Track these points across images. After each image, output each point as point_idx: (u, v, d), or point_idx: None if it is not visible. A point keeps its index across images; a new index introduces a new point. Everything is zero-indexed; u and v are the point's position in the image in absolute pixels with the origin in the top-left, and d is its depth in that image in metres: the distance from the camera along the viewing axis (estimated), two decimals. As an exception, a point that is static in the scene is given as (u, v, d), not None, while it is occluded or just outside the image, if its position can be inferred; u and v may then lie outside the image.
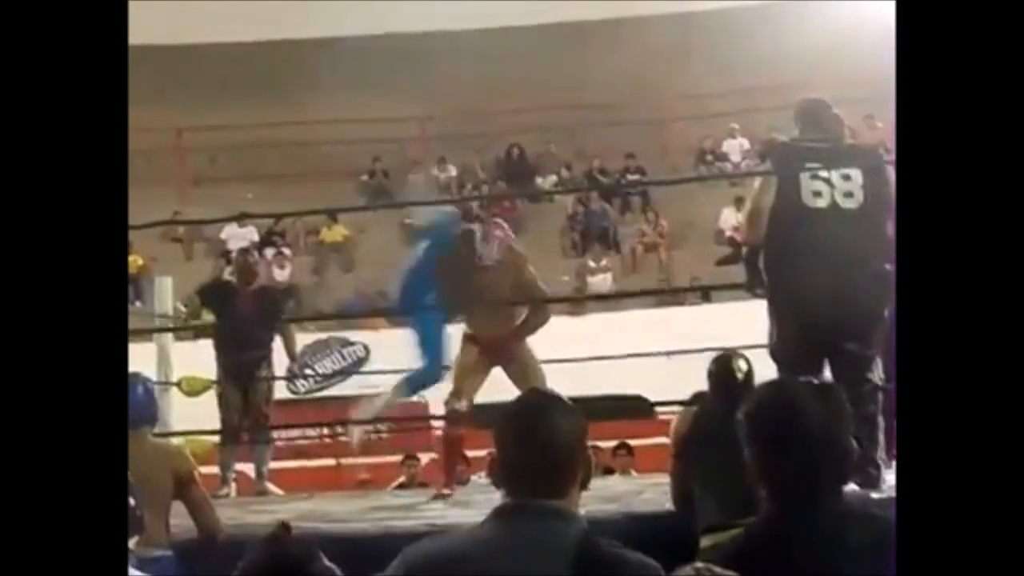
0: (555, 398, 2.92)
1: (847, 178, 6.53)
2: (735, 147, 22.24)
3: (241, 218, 18.67)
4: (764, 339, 6.77)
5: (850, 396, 3.00)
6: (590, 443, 2.88)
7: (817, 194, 6.49)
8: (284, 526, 2.72)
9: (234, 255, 12.40)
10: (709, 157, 22.09)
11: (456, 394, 8.10)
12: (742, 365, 6.20)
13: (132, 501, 3.74)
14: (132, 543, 3.67)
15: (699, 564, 2.52)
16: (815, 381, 3.03)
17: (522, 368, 8.09)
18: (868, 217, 6.53)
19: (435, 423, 14.79)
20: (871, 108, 19.91)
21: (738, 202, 19.45)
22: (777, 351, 6.48)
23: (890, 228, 6.49)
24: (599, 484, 8.27)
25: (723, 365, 6.23)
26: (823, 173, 6.52)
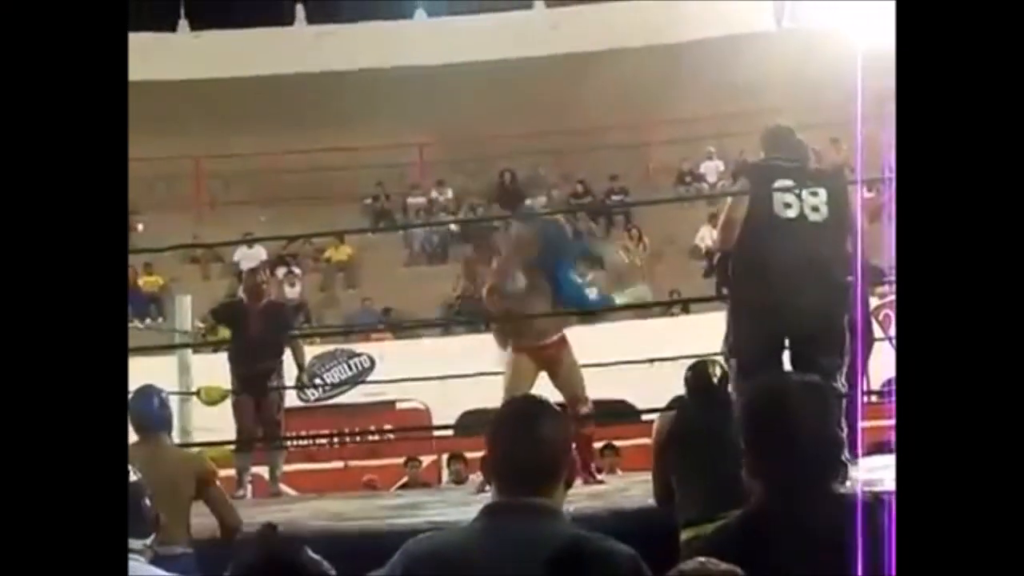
0: (542, 402, 2.93)
1: (814, 194, 6.58)
2: (712, 168, 22.26)
3: (251, 241, 18.70)
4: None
5: None
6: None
7: (787, 205, 6.54)
8: (270, 526, 2.76)
9: (243, 275, 12.42)
10: (688, 178, 22.11)
11: None
12: (716, 371, 6.23)
13: (148, 502, 3.77)
14: (149, 541, 3.70)
15: (702, 559, 2.53)
16: (808, 378, 3.04)
17: (568, 372, 8.16)
18: (831, 231, 6.58)
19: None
20: (836, 131, 19.94)
21: (713, 219, 19.51)
22: (735, 351, 6.49)
23: (850, 244, 6.55)
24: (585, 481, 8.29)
25: (699, 371, 6.25)
26: (793, 188, 6.60)
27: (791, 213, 6.53)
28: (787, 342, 6.44)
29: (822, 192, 6.62)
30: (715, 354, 6.63)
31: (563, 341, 8.27)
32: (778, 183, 6.61)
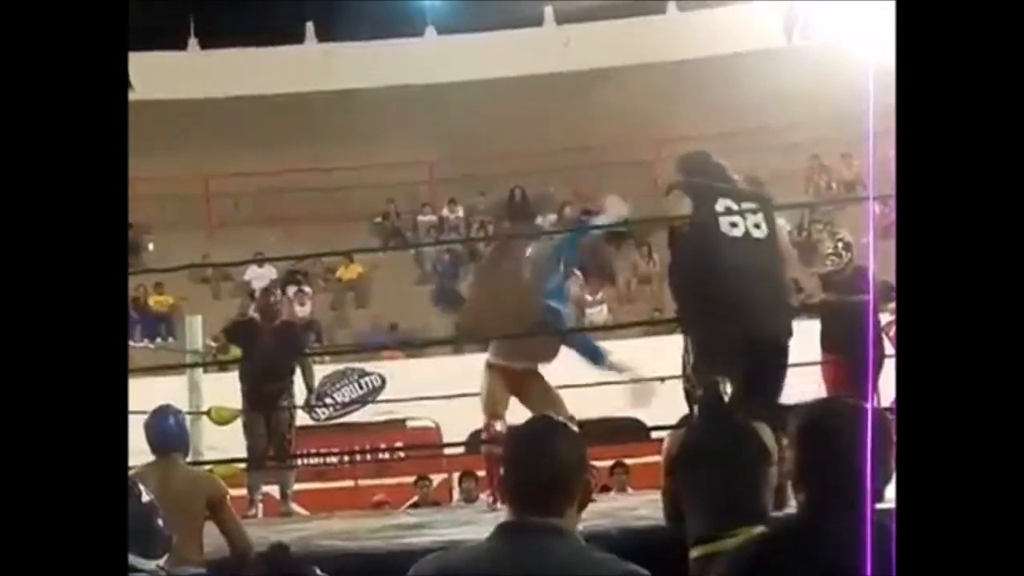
0: (559, 424, 2.94)
1: (754, 212, 6.68)
2: (722, 186, 22.27)
3: (261, 261, 18.76)
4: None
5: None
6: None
7: (733, 224, 6.61)
8: (281, 545, 2.79)
9: (256, 295, 12.47)
10: (698, 195, 22.10)
11: (493, 417, 8.17)
12: (727, 388, 6.22)
13: (161, 522, 3.80)
14: (162, 561, 3.73)
15: None
16: (862, 403, 3.09)
17: (540, 398, 8.18)
18: (772, 247, 6.71)
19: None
20: (848, 147, 20.00)
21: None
22: (697, 372, 6.47)
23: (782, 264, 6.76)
24: (598, 500, 8.33)
25: (708, 388, 6.25)
26: (734, 205, 6.66)
27: (737, 232, 6.60)
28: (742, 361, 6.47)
29: (758, 208, 6.73)
30: (676, 376, 6.71)
31: (535, 373, 8.31)
32: (720, 202, 6.65)
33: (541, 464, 2.79)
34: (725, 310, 6.47)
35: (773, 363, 6.53)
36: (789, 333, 6.70)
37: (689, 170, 7.00)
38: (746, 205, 6.71)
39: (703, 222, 6.61)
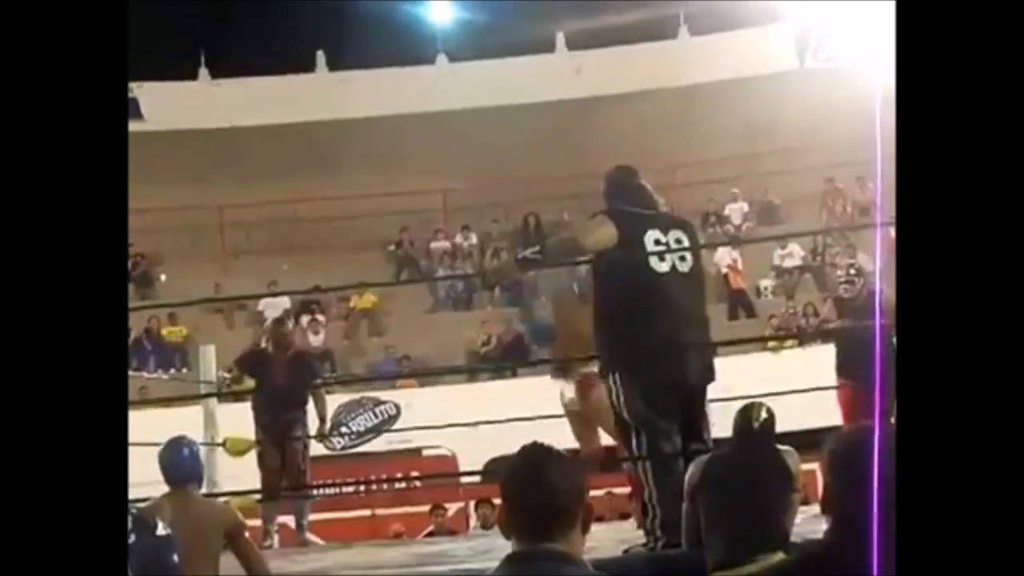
0: (550, 451, 2.96)
1: (679, 241, 6.51)
2: (737, 210, 22.30)
3: (276, 294, 18.81)
4: (765, 390, 6.80)
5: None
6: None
7: (661, 259, 6.42)
8: None
9: (268, 325, 12.49)
10: (713, 219, 22.16)
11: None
12: (760, 415, 6.17)
13: (176, 557, 3.81)
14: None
15: None
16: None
17: (589, 416, 8.02)
18: (697, 281, 6.60)
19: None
20: (862, 170, 20.00)
21: (734, 265, 19.84)
22: (634, 414, 6.37)
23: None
24: (615, 527, 8.31)
25: (741, 414, 6.23)
26: (661, 237, 6.48)
27: (664, 267, 6.42)
28: (679, 403, 6.39)
29: (684, 238, 6.55)
30: (748, 397, 6.64)
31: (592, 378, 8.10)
32: (648, 234, 6.46)
33: (539, 492, 2.81)
34: (654, 351, 6.36)
35: (698, 404, 6.48)
36: (712, 372, 6.58)
37: (617, 190, 6.82)
38: (672, 235, 6.52)
39: (630, 256, 6.42)
